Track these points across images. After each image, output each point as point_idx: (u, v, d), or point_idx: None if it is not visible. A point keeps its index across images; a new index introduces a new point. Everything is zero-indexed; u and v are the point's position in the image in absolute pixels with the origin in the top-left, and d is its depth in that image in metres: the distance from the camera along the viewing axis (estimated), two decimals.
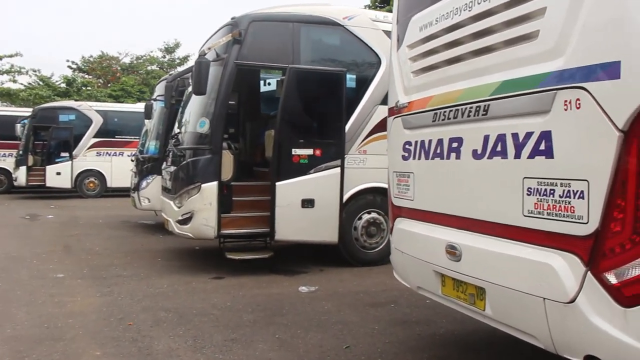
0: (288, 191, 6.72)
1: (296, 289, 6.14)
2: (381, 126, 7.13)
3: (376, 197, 7.32)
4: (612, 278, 2.36)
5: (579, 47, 2.46)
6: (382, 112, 7.13)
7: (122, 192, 16.46)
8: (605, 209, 2.36)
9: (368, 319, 5.06)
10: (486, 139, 3.03)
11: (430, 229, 3.59)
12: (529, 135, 2.73)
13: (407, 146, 3.88)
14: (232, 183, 7.02)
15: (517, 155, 2.81)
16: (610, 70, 2.30)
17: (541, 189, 2.67)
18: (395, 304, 5.55)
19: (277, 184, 6.70)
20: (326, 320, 5.02)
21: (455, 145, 3.32)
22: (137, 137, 14.20)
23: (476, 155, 3.12)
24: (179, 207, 7.04)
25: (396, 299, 5.70)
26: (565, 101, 2.50)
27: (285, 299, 5.72)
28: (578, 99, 2.44)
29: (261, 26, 6.98)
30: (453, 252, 3.26)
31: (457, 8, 3.26)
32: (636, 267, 2.28)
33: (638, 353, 2.28)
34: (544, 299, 2.64)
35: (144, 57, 35.14)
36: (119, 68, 34.92)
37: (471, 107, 3.14)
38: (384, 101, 7.21)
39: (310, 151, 6.82)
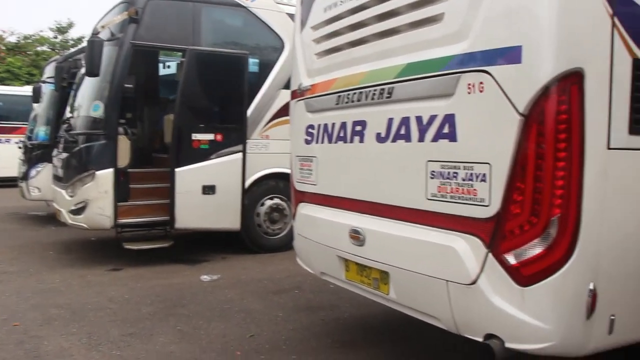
0: (188, 177, 6.49)
1: (198, 278, 5.96)
2: (284, 111, 7.04)
3: (279, 183, 7.26)
4: (511, 259, 2.40)
5: (482, 31, 2.46)
6: (285, 96, 7.01)
7: (8, 182, 15.29)
8: (506, 192, 2.39)
9: (272, 306, 4.99)
10: (390, 122, 3.01)
11: (334, 213, 3.54)
12: (432, 118, 2.73)
13: (310, 130, 3.82)
14: (129, 170, 6.66)
15: (421, 139, 2.81)
16: (512, 55, 2.32)
17: (444, 172, 2.68)
18: (299, 290, 5.52)
19: (176, 170, 6.44)
20: (229, 309, 4.89)
21: (359, 128, 3.27)
22: (25, 123, 13.20)
23: (380, 139, 3.09)
24: (71, 197, 6.60)
25: (300, 285, 5.67)
26: (469, 84, 2.51)
27: (186, 289, 5.52)
28: (481, 83, 2.45)
29: (160, 5, 6.63)
30: (357, 236, 3.23)
31: None
32: (533, 248, 2.34)
33: (532, 329, 2.36)
34: (447, 281, 2.67)
35: (33, 37, 32.81)
36: (3, 48, 32.38)
37: (375, 90, 3.11)
38: (287, 85, 7.17)
39: (211, 136, 6.62)
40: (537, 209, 2.32)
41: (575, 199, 2.26)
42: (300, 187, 4.01)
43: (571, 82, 2.25)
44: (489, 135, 2.46)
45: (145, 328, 4.38)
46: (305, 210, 3.92)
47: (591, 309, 2.31)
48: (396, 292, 3.05)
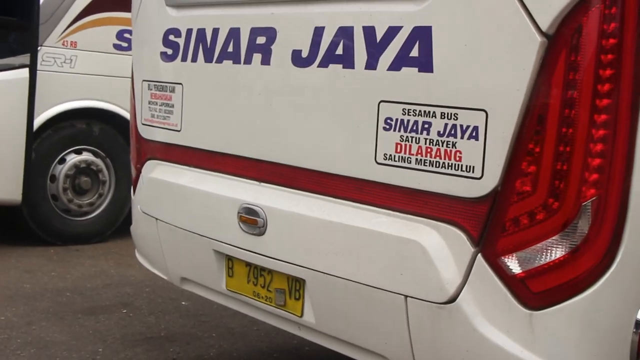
0: None
1: None
2: (106, 1, 7.10)
3: (92, 126, 7.29)
4: (513, 265, 2.48)
5: None
6: None
7: None
8: (511, 158, 2.45)
9: (84, 336, 4.94)
10: (319, 33, 3.01)
11: (212, 180, 3.54)
12: (393, 31, 2.75)
13: (171, 37, 3.76)
14: None
15: (372, 64, 2.83)
16: None
17: (409, 120, 2.71)
18: (129, 308, 5.50)
19: None
20: (5, 341, 4.78)
21: (261, 41, 3.26)
22: None
23: (299, 60, 3.09)
24: None
25: (130, 299, 5.66)
26: None
27: None
28: None
29: None
30: (252, 219, 3.24)
31: None
32: (551, 249, 2.42)
33: None
34: (406, 297, 2.71)
35: None
36: None
37: None
38: None
39: None
40: (559, 186, 2.39)
41: (620, 174, 2.35)
42: (148, 133, 3.96)
43: None
44: (488, 64, 2.51)
45: None
46: (158, 173, 3.87)
47: (638, 351, 2.44)
48: (316, 314, 3.07)
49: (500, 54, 2.48)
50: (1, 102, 6.56)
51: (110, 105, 7.18)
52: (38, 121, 6.84)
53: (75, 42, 7.07)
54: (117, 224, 7.40)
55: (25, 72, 6.61)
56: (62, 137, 7.16)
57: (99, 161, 7.31)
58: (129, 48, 6.50)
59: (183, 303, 5.50)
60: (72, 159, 7.21)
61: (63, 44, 7.01)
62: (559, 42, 2.36)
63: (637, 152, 2.37)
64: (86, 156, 7.26)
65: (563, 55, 2.36)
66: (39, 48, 6.73)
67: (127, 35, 6.95)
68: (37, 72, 6.69)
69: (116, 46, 7.17)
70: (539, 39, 2.37)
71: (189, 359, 4.65)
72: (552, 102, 2.39)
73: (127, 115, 6.66)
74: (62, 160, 7.17)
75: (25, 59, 6.61)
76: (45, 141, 7.02)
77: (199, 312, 5.31)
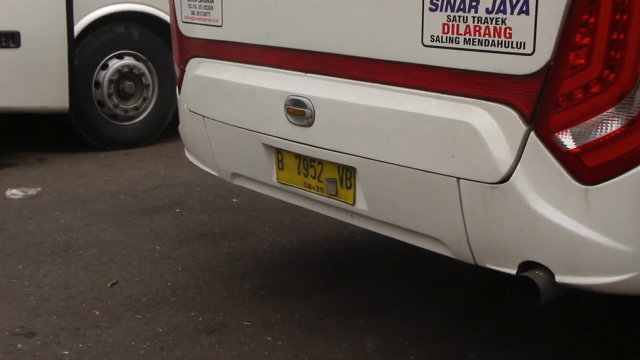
0: None
1: (2, 194, 5.89)
2: None
3: (132, 30, 7.24)
4: (568, 141, 2.44)
5: None
6: None
7: None
8: (563, 30, 2.38)
9: (140, 235, 5.01)
10: None
11: (257, 74, 3.51)
12: None
13: None
14: None
15: None
16: None
17: None
18: (182, 207, 5.56)
19: None
20: (67, 243, 4.87)
21: None
22: None
23: None
24: None
25: (182, 199, 5.72)
26: None
27: None
28: None
29: None
30: (299, 110, 3.21)
31: None
32: (606, 122, 2.37)
33: (601, 252, 2.44)
34: (458, 179, 2.70)
35: None
36: None
37: None
38: None
39: None
40: (615, 57, 2.33)
41: None
42: (190, 31, 3.92)
43: None
44: None
45: None
46: (202, 70, 3.85)
47: None
48: (368, 201, 3.07)
49: None
50: (40, 10, 6.51)
51: (148, 8, 7.09)
52: (78, 27, 6.79)
53: None
54: (163, 127, 7.41)
55: None
56: (103, 43, 7.13)
57: (140, 65, 7.29)
58: None
59: (234, 200, 5.54)
60: (115, 64, 7.18)
61: None
62: None
63: None
64: (128, 60, 7.23)
65: None
66: None
67: None
68: None
69: None
70: None
71: (242, 253, 4.71)
72: None
73: (165, 17, 6.72)
74: (105, 66, 7.15)
75: None
76: (86, 47, 7.00)
77: (250, 208, 5.35)
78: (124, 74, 7.22)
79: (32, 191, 5.94)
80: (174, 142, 6.57)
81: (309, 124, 3.20)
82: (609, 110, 2.36)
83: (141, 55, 7.26)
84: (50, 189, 6.02)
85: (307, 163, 3.32)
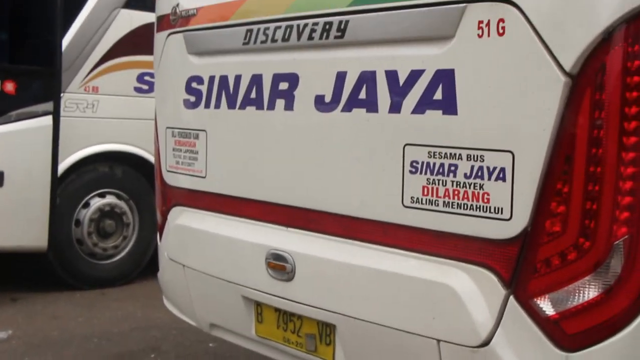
0: None
1: None
2: (125, 46, 7.15)
3: (115, 170, 7.35)
4: (547, 306, 2.47)
5: None
6: (125, 21, 7.15)
7: None
8: (539, 199, 2.45)
9: None
10: (341, 78, 3.02)
11: (238, 226, 3.55)
12: (416, 75, 2.76)
13: (194, 85, 3.79)
14: None
15: (395, 108, 2.84)
16: None
17: (435, 163, 2.71)
18: (158, 352, 5.51)
19: None
20: None
21: (284, 86, 3.28)
22: None
23: (322, 106, 3.11)
24: None
25: (158, 343, 5.66)
26: (481, 22, 2.55)
27: None
28: (501, 20, 2.50)
29: None
30: (280, 265, 3.24)
31: None
32: (584, 290, 2.41)
33: None
34: (438, 341, 2.70)
35: None
36: None
37: (315, 24, 3.11)
38: (130, 2, 7.09)
39: None
40: (590, 226, 2.38)
41: None
42: (173, 180, 3.97)
43: None
44: (512, 105, 2.51)
45: None
46: (184, 219, 3.88)
47: None
48: (348, 359, 3.06)
49: (524, 94, 2.48)
50: (26, 149, 6.60)
51: (133, 148, 7.23)
52: (62, 167, 6.89)
53: (97, 87, 7.14)
54: (142, 266, 7.42)
55: (48, 120, 6.65)
56: (86, 182, 7.21)
57: (122, 204, 7.35)
58: (150, 90, 6.60)
59: (210, 345, 5.49)
60: (96, 202, 7.25)
61: (85, 90, 7.08)
62: (583, 81, 2.36)
63: None
64: (110, 199, 7.30)
65: (588, 94, 2.37)
66: (61, 95, 6.78)
67: (147, 78, 7.04)
68: (61, 118, 6.73)
69: (137, 89, 7.23)
70: (562, 78, 2.38)
71: None
72: (579, 141, 2.39)
73: (149, 156, 6.81)
74: (87, 205, 7.21)
75: (48, 106, 6.65)
76: (69, 186, 7.07)
77: (227, 354, 5.31)
78: (105, 213, 7.26)
79: (1, 334, 5.85)
80: (153, 280, 6.50)
81: (290, 279, 3.21)
82: (586, 278, 2.40)
83: (123, 194, 7.32)
84: (21, 332, 5.94)
85: (286, 317, 3.31)
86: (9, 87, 6.53)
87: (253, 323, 3.48)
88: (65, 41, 6.83)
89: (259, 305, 3.44)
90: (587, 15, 2.35)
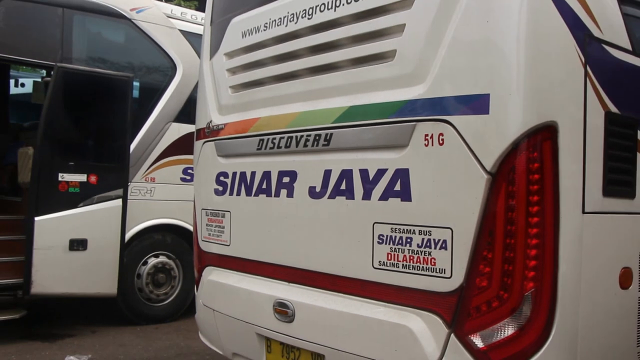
0: (52, 229, 6.19)
1: (61, 359, 5.65)
2: (174, 149, 7.12)
3: (166, 237, 7.22)
4: (478, 341, 2.48)
5: (443, 73, 2.56)
6: (174, 131, 7.14)
7: None
8: (471, 262, 2.48)
9: None
10: (327, 174, 3.05)
11: (253, 282, 3.52)
12: (381, 172, 2.80)
13: (221, 178, 3.80)
14: None
15: (366, 196, 2.86)
16: (479, 104, 2.43)
17: (396, 236, 2.74)
18: None
19: (36, 219, 6.11)
20: None
21: (286, 180, 3.29)
22: None
23: (314, 194, 3.12)
24: None
25: None
26: (426, 135, 2.60)
27: None
28: (441, 134, 2.55)
29: (15, 6, 6.36)
30: (284, 310, 3.23)
31: (293, 14, 3.25)
32: (504, 328, 2.43)
33: None
34: None
35: None
36: None
37: (309, 136, 3.14)
38: (179, 117, 7.17)
39: (82, 177, 6.39)
40: (507, 282, 2.42)
41: (550, 270, 2.38)
42: (206, 247, 3.95)
43: (544, 138, 2.39)
44: (450, 195, 2.55)
45: None
46: (214, 276, 3.86)
47: None
48: None
49: (458, 187, 2.52)
50: (103, 223, 6.53)
51: (178, 221, 7.14)
52: (128, 235, 6.82)
53: (154, 177, 7.09)
54: (185, 307, 7.31)
55: (119, 202, 6.59)
56: (145, 246, 7.12)
57: (171, 262, 7.26)
58: (191, 180, 6.58)
59: None
60: (152, 261, 7.16)
61: (145, 180, 7.03)
62: (500, 177, 2.42)
63: (561, 254, 2.42)
64: (162, 259, 7.20)
65: (503, 187, 2.42)
66: (129, 184, 6.75)
67: (189, 171, 6.99)
68: (127, 200, 6.70)
69: (182, 179, 7.18)
70: (485, 176, 2.43)
71: None
72: (498, 220, 2.44)
73: (189, 227, 6.75)
74: (145, 262, 7.13)
75: (119, 192, 6.60)
76: (133, 249, 6.99)
77: None
78: (158, 268, 7.17)
79: (84, 358, 5.76)
80: (192, 319, 6.46)
81: (291, 321, 3.20)
82: (506, 320, 2.43)
83: (172, 255, 7.23)
84: (97, 355, 5.85)
85: (288, 349, 3.29)
86: (93, 179, 6.47)
87: (264, 353, 3.46)
88: (132, 145, 6.84)
89: (268, 340, 3.42)
90: (502, 131, 2.41)
